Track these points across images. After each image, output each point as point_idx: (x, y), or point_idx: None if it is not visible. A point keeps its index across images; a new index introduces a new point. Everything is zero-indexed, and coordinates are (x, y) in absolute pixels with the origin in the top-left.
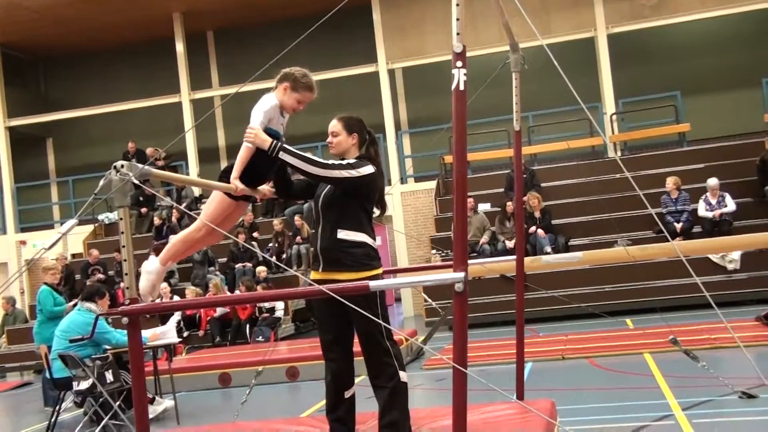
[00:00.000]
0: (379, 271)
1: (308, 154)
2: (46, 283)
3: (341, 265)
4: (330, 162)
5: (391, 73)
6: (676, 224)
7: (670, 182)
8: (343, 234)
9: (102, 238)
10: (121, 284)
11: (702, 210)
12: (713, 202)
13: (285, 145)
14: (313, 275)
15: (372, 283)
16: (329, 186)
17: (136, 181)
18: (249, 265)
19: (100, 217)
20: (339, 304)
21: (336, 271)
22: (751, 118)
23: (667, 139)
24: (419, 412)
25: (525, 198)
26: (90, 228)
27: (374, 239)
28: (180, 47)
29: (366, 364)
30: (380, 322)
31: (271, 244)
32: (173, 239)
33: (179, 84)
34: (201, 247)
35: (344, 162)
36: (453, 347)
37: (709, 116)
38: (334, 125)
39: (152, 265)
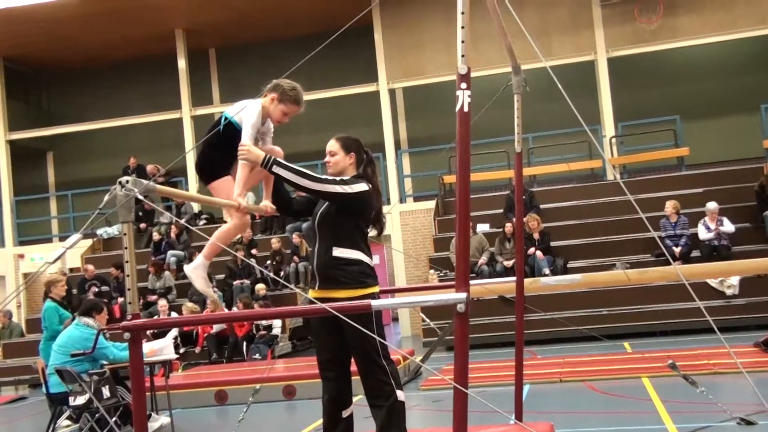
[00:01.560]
0: (376, 289)
1: (301, 168)
2: (52, 299)
3: (337, 283)
4: (323, 177)
5: (392, 92)
6: (674, 248)
7: (669, 206)
8: (338, 252)
9: (100, 252)
10: (119, 299)
11: (702, 233)
12: (712, 226)
13: (278, 159)
14: (311, 293)
15: (374, 302)
16: (326, 204)
17: (141, 197)
18: (247, 282)
19: (99, 231)
20: (336, 322)
21: (332, 289)
22: (750, 143)
23: (666, 163)
24: None
25: (524, 219)
26: (88, 242)
27: (370, 257)
28: (182, 63)
29: (362, 383)
30: (376, 337)
31: (269, 262)
32: (212, 238)
33: (180, 100)
34: (235, 234)
35: (338, 178)
36: (454, 367)
37: (708, 141)
38: (332, 145)
39: (195, 262)
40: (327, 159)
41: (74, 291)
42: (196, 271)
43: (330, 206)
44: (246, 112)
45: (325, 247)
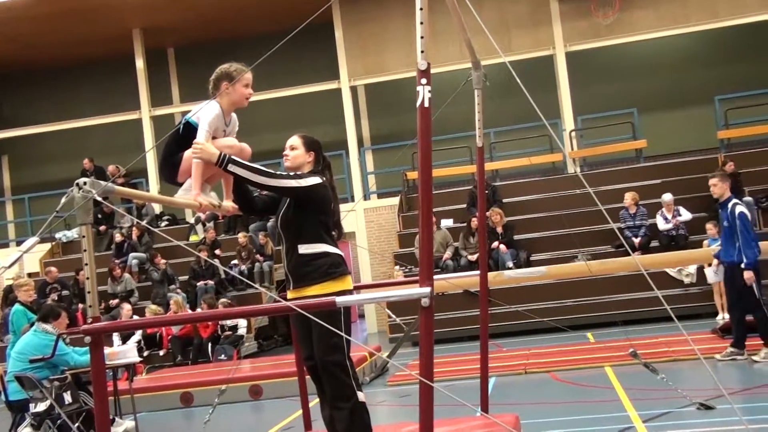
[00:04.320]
0: (348, 278)
1: (256, 165)
2: (19, 302)
3: (310, 280)
4: (277, 173)
5: (354, 90)
6: (634, 239)
7: (628, 197)
8: (303, 249)
9: (60, 256)
10: (80, 306)
11: (661, 224)
12: (669, 216)
13: (233, 157)
14: (288, 294)
15: (339, 299)
16: (286, 205)
17: (99, 198)
18: (211, 282)
19: (58, 235)
20: (307, 320)
21: (305, 287)
22: (705, 135)
23: (625, 155)
24: (384, 428)
25: (487, 214)
26: (47, 246)
27: (337, 248)
28: (140, 63)
29: (324, 382)
30: (343, 335)
31: (235, 261)
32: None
33: (139, 100)
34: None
35: (292, 173)
36: (419, 361)
37: (665, 133)
38: (294, 140)
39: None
40: (286, 152)
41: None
42: (186, 193)
43: (289, 206)
44: (203, 111)
45: (291, 247)
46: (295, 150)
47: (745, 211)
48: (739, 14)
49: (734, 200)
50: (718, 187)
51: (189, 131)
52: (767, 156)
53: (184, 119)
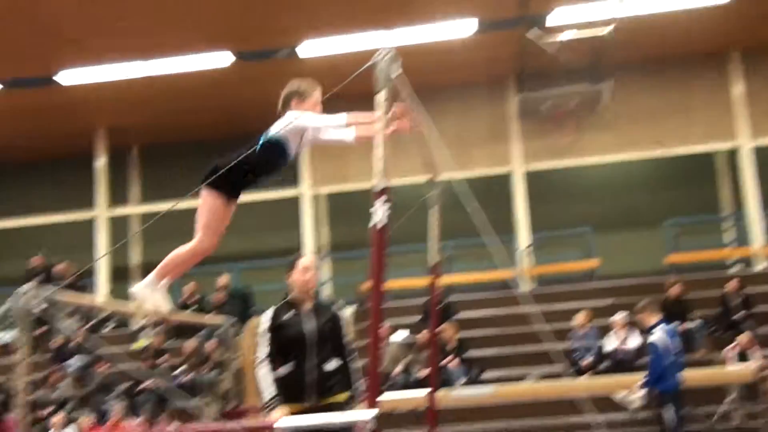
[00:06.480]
0: None
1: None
2: None
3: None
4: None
5: (315, 197)
6: (583, 360)
7: (579, 317)
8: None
9: None
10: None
11: (609, 346)
12: (620, 336)
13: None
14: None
15: (276, 424)
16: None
17: (39, 314)
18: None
19: None
20: None
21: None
22: (655, 257)
23: (579, 274)
24: None
25: (440, 328)
26: None
27: None
28: (100, 162)
29: None
30: None
31: (183, 367)
32: (171, 254)
33: (95, 199)
34: (198, 260)
35: None
36: None
37: (618, 253)
38: None
39: (144, 281)
40: None
41: None
42: (144, 290)
43: None
44: (304, 116)
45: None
46: None
47: (655, 340)
48: (682, 144)
49: (657, 327)
50: (640, 322)
51: (267, 150)
52: (715, 281)
53: (265, 137)
